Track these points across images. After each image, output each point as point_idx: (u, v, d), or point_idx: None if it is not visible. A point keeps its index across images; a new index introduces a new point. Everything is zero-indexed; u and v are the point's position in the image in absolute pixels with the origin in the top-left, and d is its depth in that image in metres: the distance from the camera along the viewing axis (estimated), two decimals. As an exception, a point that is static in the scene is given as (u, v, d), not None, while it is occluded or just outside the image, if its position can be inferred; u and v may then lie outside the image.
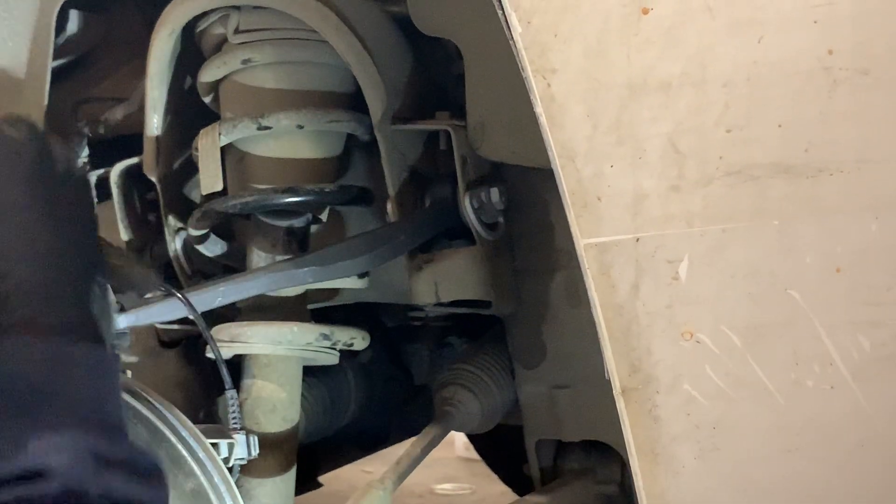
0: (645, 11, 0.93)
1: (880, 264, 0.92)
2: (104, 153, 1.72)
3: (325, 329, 1.48)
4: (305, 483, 2.01)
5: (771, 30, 0.91)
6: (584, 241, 0.97)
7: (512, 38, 0.95)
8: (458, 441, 3.56)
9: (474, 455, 3.00)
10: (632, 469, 1.01)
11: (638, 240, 0.95)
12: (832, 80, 0.90)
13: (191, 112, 1.58)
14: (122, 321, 1.37)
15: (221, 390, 1.38)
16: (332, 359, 1.52)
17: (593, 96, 0.94)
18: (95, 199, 1.70)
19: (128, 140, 1.67)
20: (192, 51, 1.55)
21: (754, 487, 1.00)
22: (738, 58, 0.92)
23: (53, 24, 1.54)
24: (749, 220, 0.94)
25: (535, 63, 0.95)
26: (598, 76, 0.94)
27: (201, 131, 1.49)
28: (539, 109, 0.96)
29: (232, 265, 1.61)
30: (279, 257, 1.48)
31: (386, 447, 2.18)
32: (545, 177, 1.37)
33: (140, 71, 1.57)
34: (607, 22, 0.94)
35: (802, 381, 0.95)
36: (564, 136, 0.95)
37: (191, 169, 1.60)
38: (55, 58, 1.58)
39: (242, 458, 1.31)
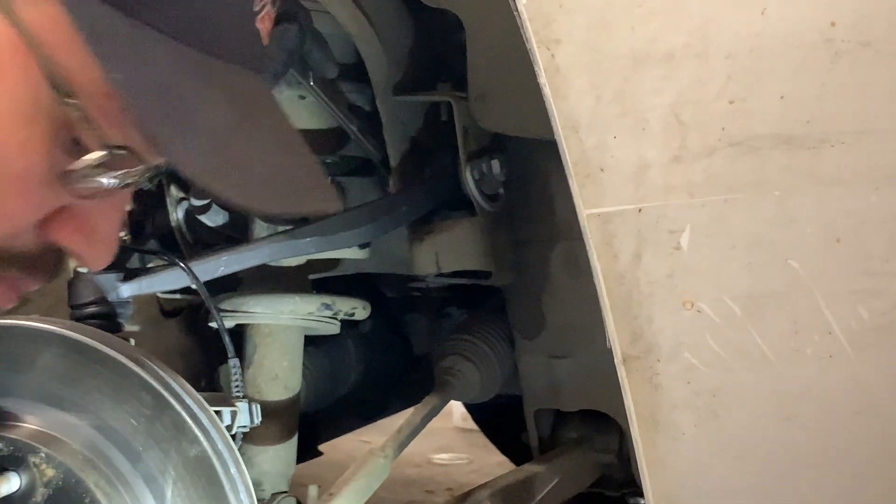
0: (649, -17, 0.94)
1: (879, 235, 0.93)
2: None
3: (327, 299, 1.49)
4: (306, 451, 2.03)
5: (773, 2, 0.92)
6: (587, 211, 0.97)
7: (516, 8, 0.96)
8: (455, 412, 3.59)
9: (472, 425, 3.02)
10: (632, 436, 1.02)
11: (640, 210, 0.96)
12: (834, 52, 0.91)
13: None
14: (125, 290, 1.38)
15: (223, 359, 1.39)
16: (334, 329, 1.53)
17: (597, 67, 0.95)
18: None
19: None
20: (193, 21, 1.55)
21: (753, 454, 1.01)
22: (740, 30, 0.92)
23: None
24: (750, 190, 0.94)
25: (539, 34, 0.95)
26: (602, 47, 0.95)
27: (203, 101, 1.49)
28: (543, 80, 0.96)
29: (234, 235, 1.62)
30: (281, 228, 1.48)
31: (385, 416, 2.20)
32: (546, 148, 1.38)
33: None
34: (611, -7, 0.95)
35: (801, 349, 0.96)
36: (568, 106, 0.96)
37: (193, 139, 1.60)
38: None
39: (245, 426, 1.32)
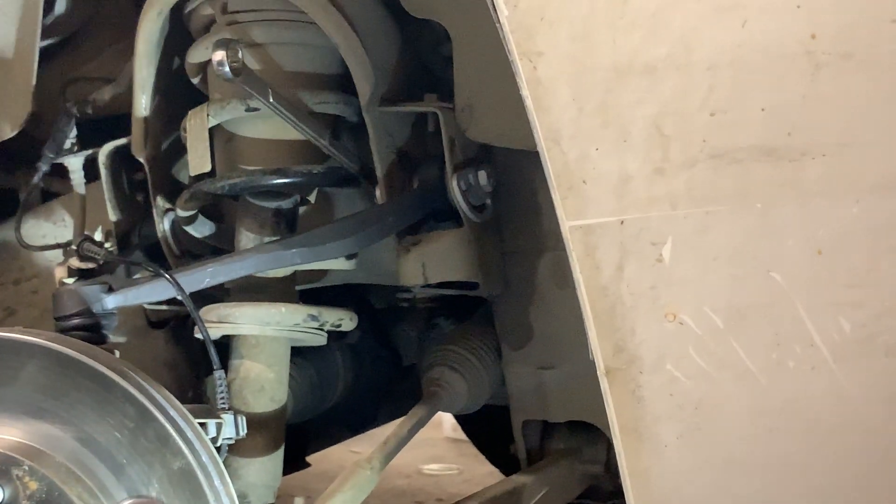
0: (631, -5, 0.94)
1: (861, 247, 0.93)
2: (92, 133, 1.72)
3: (314, 310, 1.48)
4: (293, 463, 2.02)
5: (755, 14, 0.92)
6: (570, 223, 0.97)
7: (499, 21, 0.96)
8: (445, 422, 3.58)
9: (462, 435, 3.02)
10: (615, 448, 1.02)
11: (622, 222, 0.96)
12: (815, 64, 0.91)
13: (179, 93, 1.58)
14: (111, 301, 1.37)
15: (209, 370, 1.39)
16: (321, 340, 1.53)
17: (579, 79, 0.95)
18: (84, 180, 1.72)
19: (116, 120, 1.68)
20: (180, 31, 1.55)
21: (736, 466, 1.01)
22: (722, 41, 0.93)
23: (41, 4, 1.54)
24: (732, 202, 0.94)
25: (521, 46, 0.95)
26: (584, 59, 0.95)
27: (189, 112, 1.49)
28: (525, 92, 0.96)
29: (220, 246, 1.62)
30: (267, 238, 1.48)
31: (374, 427, 2.20)
32: (532, 159, 1.38)
33: (128, 51, 1.57)
34: (593, 5, 0.95)
35: (784, 361, 0.96)
36: (550, 118, 0.96)
37: (179, 150, 1.60)
38: (43, 38, 1.58)
39: (230, 438, 1.32)
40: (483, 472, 2.89)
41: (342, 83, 1.51)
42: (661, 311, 0.97)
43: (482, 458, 2.78)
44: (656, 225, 0.96)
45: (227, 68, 1.25)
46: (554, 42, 0.95)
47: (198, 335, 1.40)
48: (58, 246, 1.78)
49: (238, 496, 1.26)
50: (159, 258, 1.61)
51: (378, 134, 1.47)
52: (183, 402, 1.24)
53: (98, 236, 1.51)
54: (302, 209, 1.56)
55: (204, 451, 1.19)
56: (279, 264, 1.43)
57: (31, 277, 1.88)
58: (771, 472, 1.01)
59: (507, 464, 2.46)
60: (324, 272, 1.64)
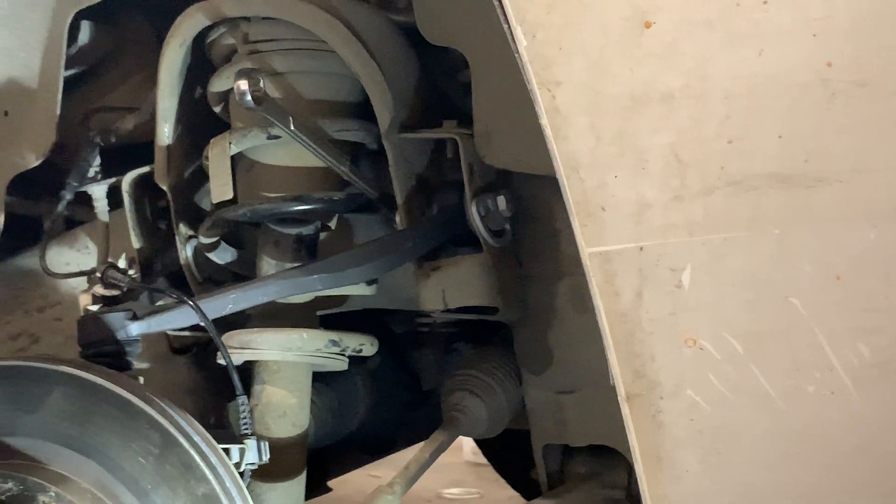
0: (647, 25, 0.95)
1: (878, 272, 0.94)
2: (116, 162, 1.74)
3: (334, 335, 1.49)
4: (315, 487, 2.02)
5: (770, 43, 0.93)
6: (589, 249, 0.98)
7: (517, 51, 0.97)
8: (466, 446, 3.58)
9: (482, 459, 3.01)
10: (636, 473, 1.02)
11: (641, 248, 0.97)
12: (830, 92, 0.92)
13: (201, 121, 1.60)
14: (135, 329, 1.39)
15: (232, 396, 1.40)
16: (341, 365, 1.53)
17: (596, 108, 0.96)
18: (108, 208, 1.74)
19: (139, 149, 1.69)
20: (202, 61, 1.57)
21: (755, 491, 1.01)
22: (738, 70, 0.94)
23: (65, 34, 1.56)
24: (749, 229, 0.95)
25: (539, 76, 0.97)
26: (602, 88, 0.96)
27: (212, 140, 1.51)
28: (544, 121, 0.97)
29: (242, 273, 1.63)
30: (288, 265, 1.50)
31: (394, 452, 2.20)
32: (551, 184, 1.39)
33: (151, 81, 1.59)
34: (610, 35, 0.96)
35: (803, 386, 0.97)
36: (569, 147, 0.97)
37: (201, 177, 1.61)
38: (67, 68, 1.60)
39: (253, 464, 1.33)
40: (504, 497, 2.88)
41: (362, 110, 1.52)
42: (680, 337, 0.98)
43: (503, 482, 2.77)
44: (675, 251, 0.96)
45: (248, 97, 1.27)
46: (571, 71, 0.96)
47: (220, 361, 1.41)
48: (82, 273, 1.79)
49: (261, 521, 1.27)
50: (182, 285, 1.62)
51: (397, 160, 1.48)
52: (205, 427, 1.25)
53: (122, 263, 1.52)
54: (322, 235, 1.57)
55: (228, 476, 1.20)
56: (300, 290, 1.44)
57: (55, 304, 1.90)
58: (790, 498, 1.01)
59: (527, 488, 2.45)
60: (344, 298, 1.65)
